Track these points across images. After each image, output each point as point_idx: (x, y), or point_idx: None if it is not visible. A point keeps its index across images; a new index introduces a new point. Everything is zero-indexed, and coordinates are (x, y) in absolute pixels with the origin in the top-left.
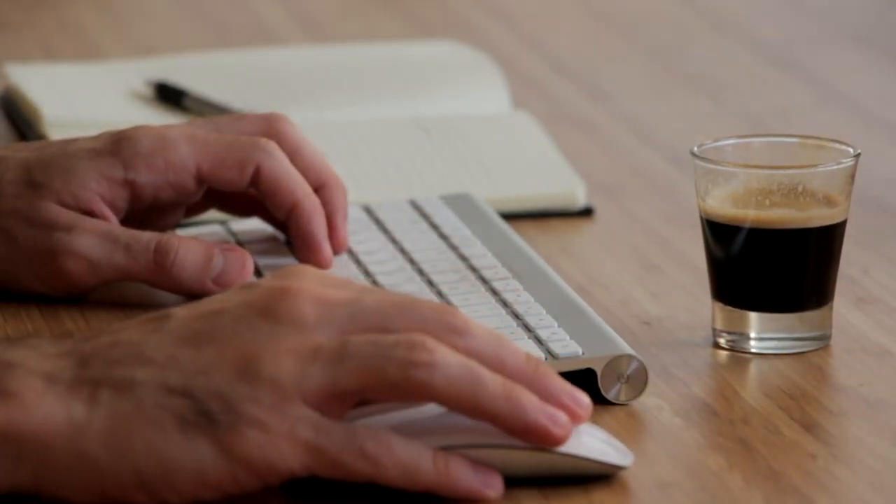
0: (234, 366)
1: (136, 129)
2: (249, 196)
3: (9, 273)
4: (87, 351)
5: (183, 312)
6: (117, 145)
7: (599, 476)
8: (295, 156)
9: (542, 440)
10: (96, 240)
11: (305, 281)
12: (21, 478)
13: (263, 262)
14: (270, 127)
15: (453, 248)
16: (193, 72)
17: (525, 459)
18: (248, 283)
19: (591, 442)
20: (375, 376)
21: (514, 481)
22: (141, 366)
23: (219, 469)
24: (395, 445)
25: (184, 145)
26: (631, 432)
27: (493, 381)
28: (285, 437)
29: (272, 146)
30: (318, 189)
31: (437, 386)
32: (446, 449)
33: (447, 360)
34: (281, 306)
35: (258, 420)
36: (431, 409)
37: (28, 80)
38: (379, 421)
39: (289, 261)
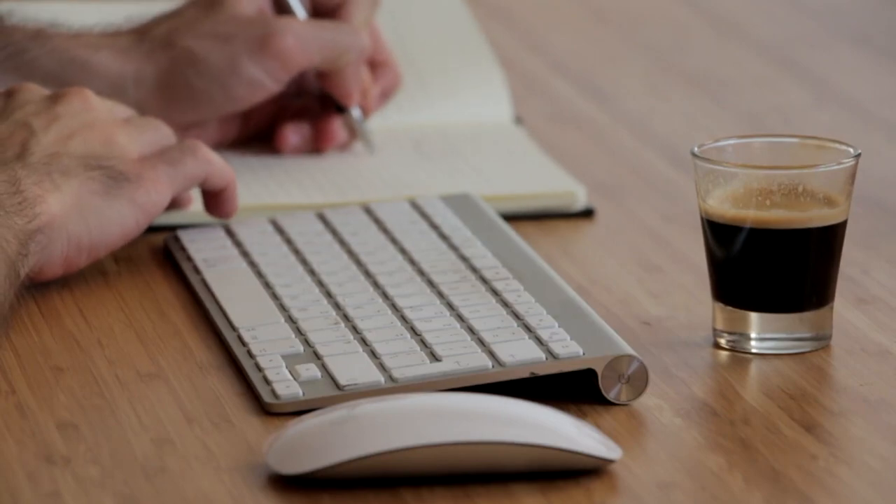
0: (99, 143)
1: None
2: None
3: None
4: (19, 167)
5: (35, 121)
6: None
7: (597, 474)
8: None
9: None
10: (302, 22)
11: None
12: (31, 263)
13: (267, 265)
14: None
15: (453, 248)
16: None
17: (520, 455)
18: (34, 100)
19: (581, 438)
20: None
21: (515, 479)
22: (58, 159)
23: (129, 218)
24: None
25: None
26: (631, 432)
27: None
28: (152, 178)
29: None
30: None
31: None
32: (445, 445)
33: None
34: (87, 101)
35: (134, 174)
36: (431, 407)
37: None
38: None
39: (286, 262)
